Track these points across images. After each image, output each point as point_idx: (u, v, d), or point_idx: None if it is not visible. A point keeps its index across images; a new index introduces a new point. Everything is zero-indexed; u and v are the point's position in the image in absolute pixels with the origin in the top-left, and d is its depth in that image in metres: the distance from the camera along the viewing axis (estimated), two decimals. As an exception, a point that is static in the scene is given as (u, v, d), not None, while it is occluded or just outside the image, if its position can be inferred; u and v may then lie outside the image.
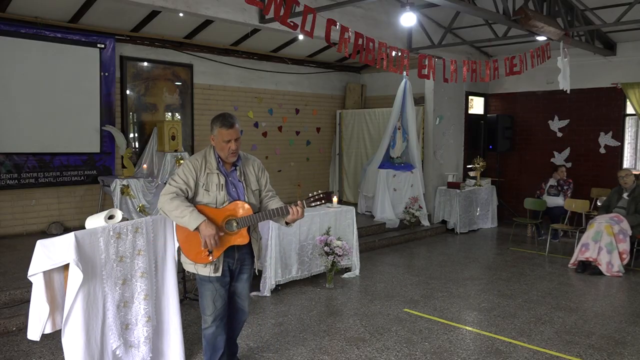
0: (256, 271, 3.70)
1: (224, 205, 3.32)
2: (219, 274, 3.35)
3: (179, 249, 3.52)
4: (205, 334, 3.49)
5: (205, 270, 3.33)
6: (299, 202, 3.35)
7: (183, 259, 3.42)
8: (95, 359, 3.20)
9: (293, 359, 4.11)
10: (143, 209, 7.34)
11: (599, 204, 8.07)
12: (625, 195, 7.20)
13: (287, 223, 3.43)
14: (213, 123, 3.36)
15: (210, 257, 3.28)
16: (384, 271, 6.73)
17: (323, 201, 3.37)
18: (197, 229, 3.16)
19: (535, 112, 10.18)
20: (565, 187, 8.66)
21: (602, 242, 6.71)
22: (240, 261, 3.48)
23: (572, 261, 7.02)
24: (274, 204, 3.50)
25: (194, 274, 3.45)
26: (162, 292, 3.68)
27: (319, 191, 3.40)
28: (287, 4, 4.87)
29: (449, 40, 8.87)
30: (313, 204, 3.36)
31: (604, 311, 5.31)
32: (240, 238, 3.35)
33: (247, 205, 3.35)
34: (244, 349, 4.24)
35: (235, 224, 3.31)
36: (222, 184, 3.34)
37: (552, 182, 8.82)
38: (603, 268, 6.64)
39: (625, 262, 6.70)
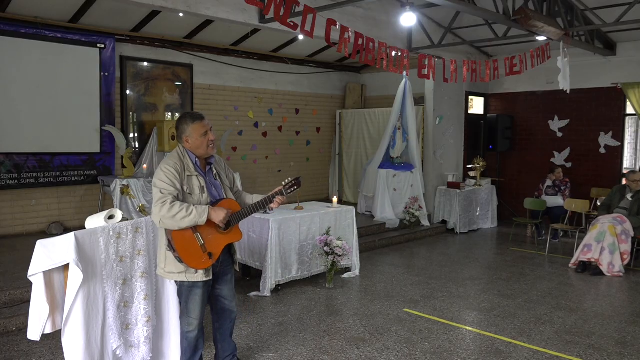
0: (236, 267, 3.67)
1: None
2: (210, 277, 3.32)
3: (163, 262, 3.33)
4: (188, 336, 3.44)
5: (198, 276, 3.26)
6: (279, 190, 3.42)
7: (173, 267, 3.23)
8: (95, 359, 3.20)
9: (293, 359, 4.11)
10: (143, 209, 7.30)
11: (599, 204, 8.06)
12: (628, 196, 7.18)
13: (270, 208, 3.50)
14: (183, 123, 3.36)
15: (211, 260, 3.24)
16: (384, 271, 6.73)
17: (295, 187, 3.46)
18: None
19: (535, 112, 10.18)
20: (562, 188, 8.68)
21: (605, 242, 6.70)
22: (222, 263, 3.46)
23: (572, 261, 7.02)
24: (250, 198, 3.60)
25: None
26: (162, 292, 3.68)
27: (290, 179, 3.50)
28: (287, 4, 4.87)
29: (449, 40, 8.87)
30: (289, 191, 3.44)
31: (604, 311, 5.31)
32: (235, 235, 3.38)
33: (234, 203, 3.38)
34: (244, 348, 4.24)
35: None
36: (204, 186, 3.32)
37: (548, 182, 8.84)
38: (604, 268, 6.64)
39: (625, 262, 6.70)
